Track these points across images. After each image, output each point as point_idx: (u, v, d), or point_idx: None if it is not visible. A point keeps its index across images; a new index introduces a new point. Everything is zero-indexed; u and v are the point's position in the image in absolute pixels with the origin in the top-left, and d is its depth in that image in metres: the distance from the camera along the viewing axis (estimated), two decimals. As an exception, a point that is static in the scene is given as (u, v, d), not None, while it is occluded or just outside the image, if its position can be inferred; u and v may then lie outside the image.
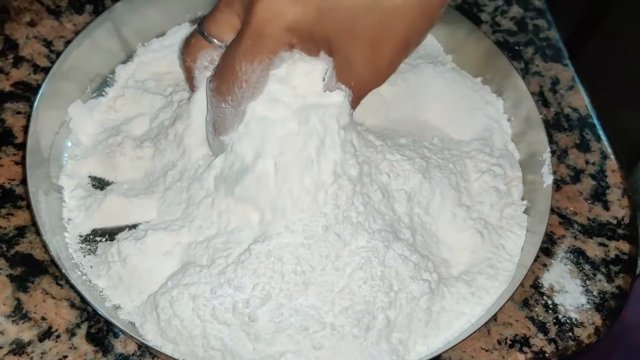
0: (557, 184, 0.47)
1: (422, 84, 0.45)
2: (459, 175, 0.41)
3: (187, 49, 0.37)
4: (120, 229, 0.40)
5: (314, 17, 0.32)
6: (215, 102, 0.36)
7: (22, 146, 0.44)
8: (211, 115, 0.37)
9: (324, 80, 0.35)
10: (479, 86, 0.48)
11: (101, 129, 0.45)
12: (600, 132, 0.50)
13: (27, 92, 0.47)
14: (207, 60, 0.37)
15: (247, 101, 0.35)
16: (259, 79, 0.34)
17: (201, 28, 0.37)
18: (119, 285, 0.38)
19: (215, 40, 0.36)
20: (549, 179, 0.42)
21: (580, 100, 0.52)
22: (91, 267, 0.39)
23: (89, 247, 0.40)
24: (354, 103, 0.36)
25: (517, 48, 0.55)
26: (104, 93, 0.46)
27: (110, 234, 0.40)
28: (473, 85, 0.48)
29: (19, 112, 0.46)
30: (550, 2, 0.59)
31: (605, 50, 0.62)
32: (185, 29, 0.50)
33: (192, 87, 0.39)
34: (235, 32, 0.35)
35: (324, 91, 0.35)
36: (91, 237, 0.40)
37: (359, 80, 0.34)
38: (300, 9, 0.32)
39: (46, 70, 0.48)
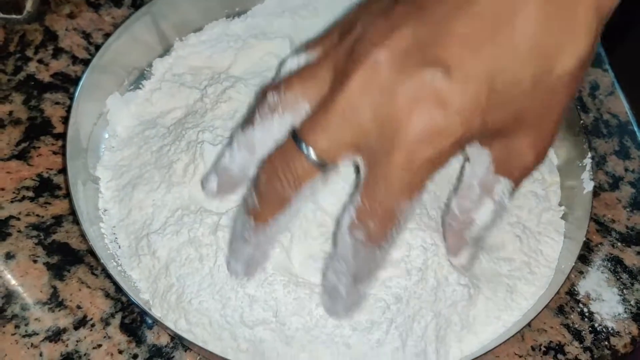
0: (595, 191, 0.46)
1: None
2: None
3: (289, 176, 0.27)
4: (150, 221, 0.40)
5: (481, 123, 0.25)
6: (364, 250, 0.28)
7: (61, 136, 0.45)
8: (351, 266, 0.29)
9: None
10: None
11: (137, 122, 0.45)
12: (641, 139, 0.49)
13: (65, 83, 0.48)
14: (310, 191, 0.28)
15: (400, 237, 0.29)
16: (414, 210, 0.27)
17: (304, 145, 0.27)
18: (149, 277, 0.38)
19: (330, 166, 0.27)
20: (589, 185, 0.41)
21: (620, 106, 0.51)
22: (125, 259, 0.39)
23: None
24: (514, 192, 0.30)
25: (555, 51, 0.54)
26: (140, 86, 0.47)
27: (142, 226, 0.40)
28: None
29: (57, 103, 0.47)
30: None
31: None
32: (222, 24, 0.50)
33: (266, 220, 0.29)
34: (354, 152, 0.27)
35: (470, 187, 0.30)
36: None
37: (523, 167, 0.29)
38: (467, 119, 0.25)
39: (85, 62, 0.49)
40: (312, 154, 0.27)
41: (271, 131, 0.29)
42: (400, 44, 0.25)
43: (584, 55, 0.26)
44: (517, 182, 0.30)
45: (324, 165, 0.27)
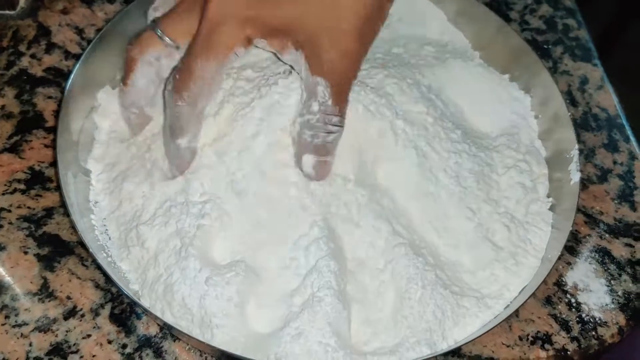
0: (584, 183, 0.46)
1: (450, 78, 0.45)
2: (489, 167, 0.41)
3: (137, 42, 0.38)
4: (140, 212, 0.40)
5: (269, 7, 0.33)
6: (171, 102, 0.36)
7: (52, 130, 0.45)
8: (168, 119, 0.37)
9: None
10: (507, 83, 0.47)
11: None
12: (629, 132, 0.50)
13: (58, 78, 0.48)
14: (154, 57, 0.37)
15: (203, 100, 0.36)
16: (215, 76, 0.35)
17: (157, 27, 0.37)
18: (138, 268, 0.38)
19: (169, 40, 0.37)
20: (576, 177, 0.41)
21: (609, 100, 0.52)
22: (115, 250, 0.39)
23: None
24: (337, 97, 0.34)
25: (545, 47, 0.55)
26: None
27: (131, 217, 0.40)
28: (501, 82, 0.47)
29: (49, 97, 0.47)
30: (580, 2, 0.58)
31: (636, 51, 0.61)
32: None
33: (126, 81, 0.39)
34: (190, 35, 0.35)
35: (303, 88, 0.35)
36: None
37: (333, 69, 0.34)
38: (248, 2, 0.32)
39: (77, 57, 0.49)
40: (162, 34, 0.37)
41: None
42: None
43: None
44: (335, 86, 0.34)
45: (162, 37, 0.37)
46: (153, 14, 0.40)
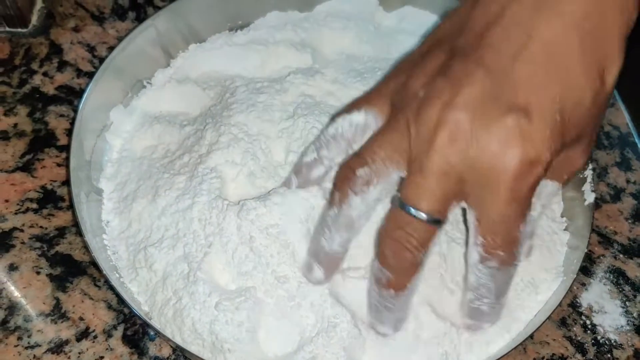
0: (597, 203, 0.46)
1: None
2: None
3: (415, 244, 0.30)
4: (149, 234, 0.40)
5: (562, 143, 0.29)
6: (501, 274, 0.31)
7: (65, 148, 0.45)
8: (492, 289, 0.32)
9: None
10: None
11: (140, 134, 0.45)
12: (642, 150, 0.50)
13: (70, 96, 0.48)
14: (433, 244, 0.31)
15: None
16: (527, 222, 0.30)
17: (413, 209, 0.29)
18: (147, 290, 0.38)
19: (442, 220, 0.30)
20: (590, 197, 0.41)
21: (621, 118, 0.51)
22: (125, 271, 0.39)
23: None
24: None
25: (556, 64, 0.55)
26: (142, 95, 0.47)
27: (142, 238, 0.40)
28: None
29: (62, 115, 0.47)
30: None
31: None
32: (225, 36, 0.50)
33: (404, 286, 0.31)
34: (456, 199, 0.30)
35: None
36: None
37: (574, 169, 0.33)
38: (550, 143, 0.28)
39: (89, 75, 0.49)
40: (424, 216, 0.29)
41: (368, 203, 0.32)
42: (471, 99, 0.28)
43: (620, 70, 0.30)
44: (565, 183, 0.33)
45: (437, 221, 0.30)
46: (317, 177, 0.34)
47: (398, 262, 0.30)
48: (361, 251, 0.35)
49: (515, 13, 0.29)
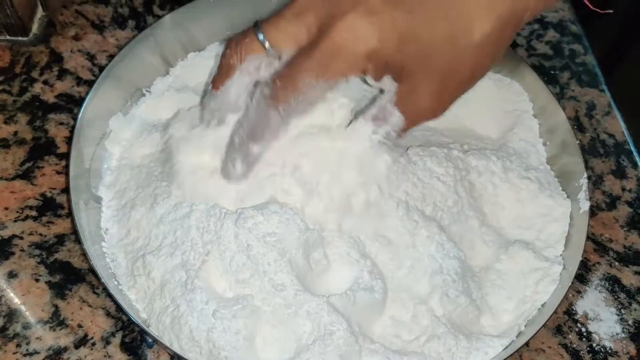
0: (592, 210, 0.46)
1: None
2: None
3: (237, 48, 0.35)
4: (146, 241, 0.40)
5: (394, 47, 0.31)
6: (264, 107, 0.34)
7: (64, 156, 0.46)
8: (250, 119, 0.35)
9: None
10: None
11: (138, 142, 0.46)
12: (637, 158, 0.50)
13: (70, 104, 0.49)
14: (254, 66, 0.35)
15: (297, 115, 0.35)
16: (317, 97, 0.33)
17: (259, 32, 0.34)
18: (145, 298, 0.38)
19: (271, 49, 0.34)
20: (585, 205, 0.41)
21: (616, 126, 0.52)
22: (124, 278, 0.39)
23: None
24: (404, 132, 0.35)
25: (552, 72, 0.55)
26: (141, 103, 0.47)
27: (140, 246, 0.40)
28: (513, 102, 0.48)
29: (61, 123, 0.47)
30: (585, 27, 0.59)
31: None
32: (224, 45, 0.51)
33: (218, 85, 0.36)
34: (296, 45, 0.33)
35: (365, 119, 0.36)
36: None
37: (417, 110, 0.34)
38: (383, 36, 0.31)
39: (89, 83, 0.50)
40: (263, 40, 0.34)
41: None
42: None
43: (505, 15, 0.31)
44: (408, 123, 0.35)
45: (269, 50, 0.34)
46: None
47: (222, 57, 0.36)
48: None
49: None
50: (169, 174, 0.40)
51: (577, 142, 0.44)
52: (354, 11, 0.31)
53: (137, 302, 0.38)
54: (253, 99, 0.35)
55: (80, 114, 0.42)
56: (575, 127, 0.51)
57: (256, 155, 0.36)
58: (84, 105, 0.43)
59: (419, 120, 0.35)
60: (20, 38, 0.51)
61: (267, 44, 0.34)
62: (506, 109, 0.48)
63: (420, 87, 0.33)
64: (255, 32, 0.34)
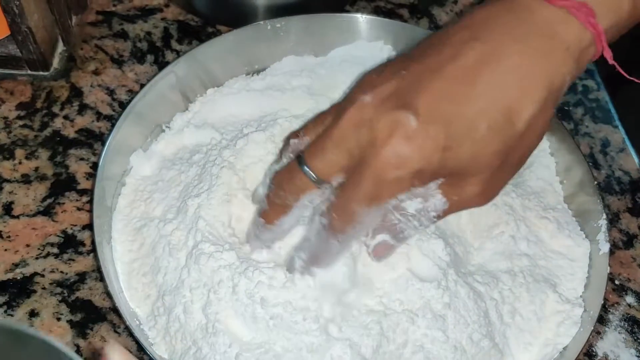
0: (610, 250, 0.46)
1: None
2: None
3: (291, 188, 0.34)
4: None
5: (438, 161, 0.31)
6: (324, 236, 0.35)
7: (85, 192, 0.46)
8: (311, 246, 0.36)
9: None
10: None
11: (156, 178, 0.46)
12: (653, 196, 0.50)
13: (90, 139, 0.49)
14: (308, 200, 0.35)
15: (355, 239, 0.35)
16: (373, 220, 0.34)
17: (306, 167, 0.34)
18: (166, 336, 0.38)
19: (322, 181, 0.34)
20: (605, 247, 0.42)
21: (631, 163, 0.52)
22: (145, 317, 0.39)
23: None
24: (444, 215, 0.34)
25: (566, 108, 0.56)
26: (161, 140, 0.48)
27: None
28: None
29: (82, 159, 0.48)
30: (598, 64, 0.59)
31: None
32: (242, 80, 0.51)
33: (274, 221, 0.36)
34: (343, 172, 0.33)
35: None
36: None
37: (465, 198, 0.33)
38: (426, 155, 0.31)
39: (108, 118, 0.50)
40: (311, 173, 0.34)
41: None
42: (384, 91, 0.32)
43: (546, 92, 0.31)
44: (451, 208, 0.34)
45: (319, 182, 0.34)
46: (296, 144, 0.37)
47: (274, 198, 0.36)
48: None
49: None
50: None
51: (595, 183, 0.45)
52: (393, 137, 0.31)
53: (158, 344, 0.38)
54: (312, 228, 0.35)
55: (103, 151, 0.43)
56: (590, 164, 0.51)
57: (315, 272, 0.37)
58: (107, 142, 0.43)
59: (466, 207, 0.35)
60: (41, 73, 0.52)
61: (313, 176, 0.34)
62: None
63: (471, 179, 0.33)
64: (301, 167, 0.34)
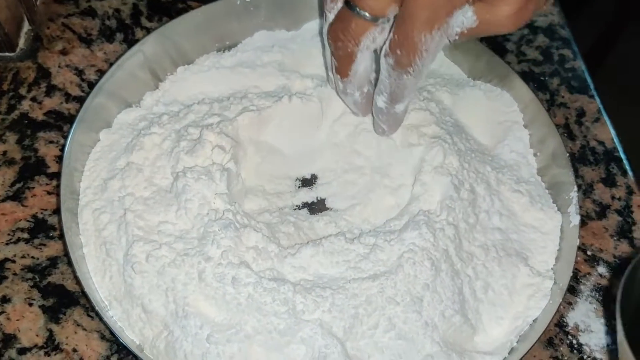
0: (583, 220, 0.46)
1: (460, 101, 0.47)
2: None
3: (348, 35, 0.35)
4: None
5: None
6: (395, 74, 0.35)
7: (55, 175, 0.45)
8: (387, 87, 0.37)
9: None
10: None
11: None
12: (627, 166, 0.50)
13: (59, 121, 0.48)
14: (370, 40, 0.36)
15: (427, 67, 0.35)
16: (438, 45, 0.34)
17: (357, 9, 0.34)
18: (138, 322, 0.38)
19: (371, 17, 0.34)
20: (575, 219, 0.42)
21: (606, 133, 0.52)
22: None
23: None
24: (467, 34, 0.34)
25: (542, 79, 0.55)
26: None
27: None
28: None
29: (51, 142, 0.47)
30: (573, 32, 0.59)
31: (632, 82, 0.62)
32: (213, 57, 0.50)
33: (347, 73, 0.38)
34: (395, 2, 0.33)
35: None
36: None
37: (496, 19, 0.33)
38: None
39: (78, 99, 0.49)
40: (364, 13, 0.34)
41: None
42: None
43: None
44: (480, 28, 0.34)
45: (374, 19, 0.34)
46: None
47: (337, 51, 0.37)
48: None
49: None
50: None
51: (568, 151, 0.44)
52: None
53: (127, 328, 0.38)
54: (382, 71, 0.36)
55: (70, 135, 0.42)
56: (565, 134, 0.51)
57: (403, 112, 0.39)
58: (74, 126, 0.42)
59: (493, 30, 0.34)
60: (7, 54, 0.51)
61: (367, 15, 0.34)
62: (497, 120, 0.48)
63: (501, 9, 0.33)
64: (353, 11, 0.34)
